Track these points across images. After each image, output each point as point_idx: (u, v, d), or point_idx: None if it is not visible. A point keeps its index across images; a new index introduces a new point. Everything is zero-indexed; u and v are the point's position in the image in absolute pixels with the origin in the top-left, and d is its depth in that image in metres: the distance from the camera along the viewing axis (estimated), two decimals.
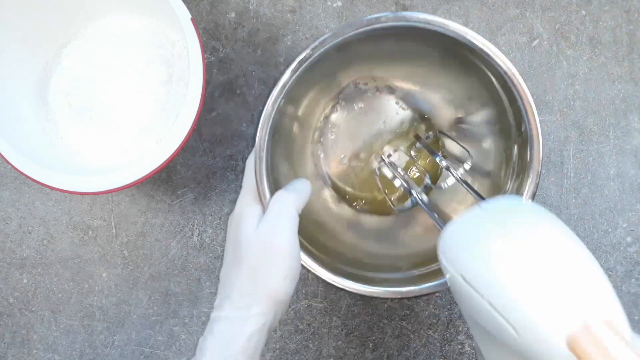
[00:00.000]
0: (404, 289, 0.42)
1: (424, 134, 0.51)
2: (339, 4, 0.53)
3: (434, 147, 0.50)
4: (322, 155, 0.51)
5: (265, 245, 0.36)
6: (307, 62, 0.40)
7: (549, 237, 0.29)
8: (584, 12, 0.53)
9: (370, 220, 0.51)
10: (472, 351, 0.53)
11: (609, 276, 0.54)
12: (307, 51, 0.40)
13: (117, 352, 0.53)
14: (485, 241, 0.30)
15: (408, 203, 0.51)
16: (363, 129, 0.51)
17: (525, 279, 0.28)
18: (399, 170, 0.48)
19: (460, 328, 0.53)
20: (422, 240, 0.48)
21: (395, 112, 0.51)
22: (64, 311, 0.53)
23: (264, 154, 0.40)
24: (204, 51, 0.43)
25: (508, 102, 0.43)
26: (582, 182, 0.54)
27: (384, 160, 0.50)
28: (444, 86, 0.49)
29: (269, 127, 0.40)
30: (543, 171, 0.53)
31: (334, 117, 0.51)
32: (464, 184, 0.42)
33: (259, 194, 0.40)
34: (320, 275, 0.42)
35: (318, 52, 0.40)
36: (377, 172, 0.50)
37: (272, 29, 0.53)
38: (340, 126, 0.51)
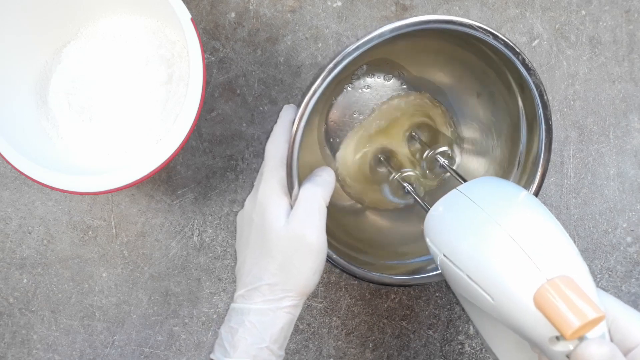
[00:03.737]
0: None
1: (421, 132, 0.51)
2: (339, 4, 0.53)
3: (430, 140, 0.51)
4: (326, 139, 0.51)
5: (297, 240, 0.37)
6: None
7: (515, 208, 0.31)
8: (584, 12, 0.53)
9: (370, 214, 0.51)
10: (472, 351, 0.53)
11: (609, 276, 0.54)
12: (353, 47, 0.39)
13: (117, 352, 0.53)
14: (460, 220, 0.33)
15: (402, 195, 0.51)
16: (365, 115, 0.50)
17: (495, 250, 0.30)
18: (393, 163, 0.49)
19: (460, 328, 0.53)
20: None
21: (396, 104, 0.51)
22: (64, 311, 0.53)
23: (297, 148, 0.39)
24: (204, 51, 0.43)
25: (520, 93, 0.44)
26: (582, 182, 0.54)
27: (380, 157, 0.50)
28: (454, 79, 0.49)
29: (306, 117, 0.39)
30: None
31: (340, 98, 0.50)
32: (449, 168, 0.45)
33: (288, 184, 0.39)
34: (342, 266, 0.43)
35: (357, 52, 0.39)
36: (372, 164, 0.50)
37: (272, 29, 0.53)
38: (345, 107, 0.50)
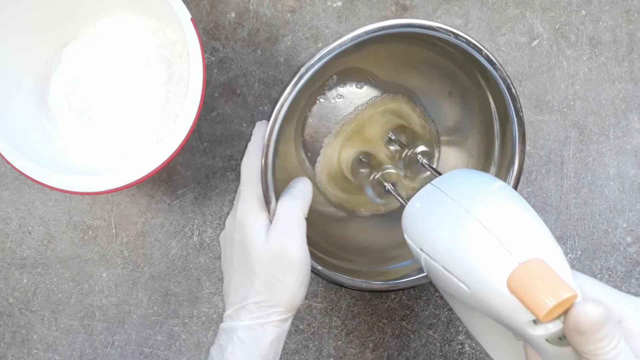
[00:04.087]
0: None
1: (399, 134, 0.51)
2: (339, 4, 0.53)
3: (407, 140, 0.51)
4: (304, 152, 0.51)
5: (278, 256, 0.37)
6: (314, 68, 0.40)
7: (487, 197, 0.31)
8: (584, 12, 0.53)
9: (355, 222, 0.51)
10: (472, 351, 0.53)
11: (609, 276, 0.54)
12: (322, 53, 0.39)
13: (117, 352, 0.53)
14: (434, 213, 0.33)
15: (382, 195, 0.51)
16: (340, 122, 0.51)
17: (466, 238, 0.30)
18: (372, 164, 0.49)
19: (460, 328, 0.53)
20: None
21: (372, 107, 0.51)
22: (64, 311, 0.53)
23: (270, 159, 0.40)
24: (204, 51, 0.43)
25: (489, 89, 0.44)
26: (582, 182, 0.54)
27: (361, 158, 0.50)
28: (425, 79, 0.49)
29: (277, 131, 0.40)
30: (543, 171, 0.54)
31: (314, 109, 0.51)
32: (428, 166, 0.46)
33: (265, 198, 0.39)
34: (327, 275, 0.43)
35: (326, 58, 0.39)
36: (353, 168, 0.50)
37: (272, 29, 0.53)
38: (320, 118, 0.51)
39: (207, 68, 0.52)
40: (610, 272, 0.54)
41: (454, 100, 0.49)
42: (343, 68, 0.49)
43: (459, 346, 0.53)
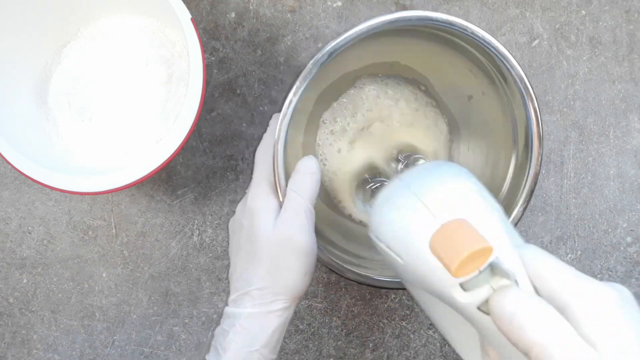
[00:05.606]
0: None
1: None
2: (339, 4, 0.53)
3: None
4: (320, 150, 0.51)
5: (285, 243, 0.37)
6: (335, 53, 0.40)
7: (433, 176, 0.31)
8: (584, 12, 0.53)
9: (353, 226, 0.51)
10: None
11: (609, 276, 0.54)
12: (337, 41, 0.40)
13: (117, 352, 0.53)
14: (386, 199, 0.33)
15: None
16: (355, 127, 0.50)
17: (401, 209, 0.30)
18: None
19: None
20: None
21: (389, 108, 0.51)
22: (64, 311, 0.53)
23: (281, 145, 0.39)
24: (204, 51, 0.43)
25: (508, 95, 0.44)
26: (582, 182, 0.54)
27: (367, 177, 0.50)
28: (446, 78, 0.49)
29: (289, 117, 0.40)
30: (543, 171, 0.54)
31: (326, 113, 0.51)
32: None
33: (275, 184, 0.39)
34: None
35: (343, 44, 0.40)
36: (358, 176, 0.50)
37: (272, 29, 0.53)
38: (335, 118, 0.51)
39: (207, 68, 0.52)
40: (610, 272, 0.54)
41: (474, 103, 0.49)
42: (365, 65, 0.49)
43: None
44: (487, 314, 0.26)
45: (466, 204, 0.28)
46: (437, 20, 0.40)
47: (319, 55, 0.40)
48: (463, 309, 0.27)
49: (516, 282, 0.26)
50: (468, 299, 0.27)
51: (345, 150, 0.50)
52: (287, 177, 0.40)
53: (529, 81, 0.42)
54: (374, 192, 0.47)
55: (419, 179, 0.31)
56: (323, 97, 0.49)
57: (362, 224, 0.51)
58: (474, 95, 0.48)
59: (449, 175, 0.31)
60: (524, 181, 0.44)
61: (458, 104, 0.49)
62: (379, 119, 0.50)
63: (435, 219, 0.28)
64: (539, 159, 0.43)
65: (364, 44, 0.41)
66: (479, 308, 0.27)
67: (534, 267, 0.26)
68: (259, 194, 0.39)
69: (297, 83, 0.40)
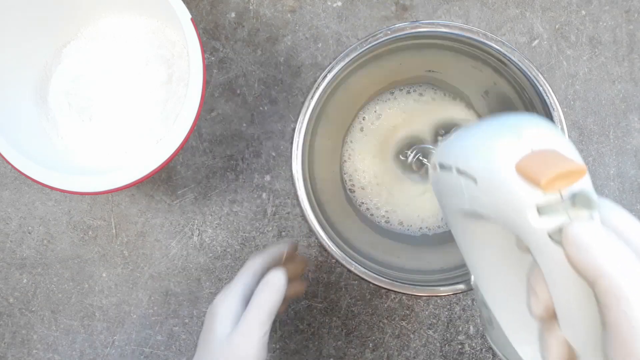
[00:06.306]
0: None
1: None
2: (339, 4, 0.53)
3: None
4: (346, 159, 0.51)
5: (235, 353, 0.38)
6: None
7: (522, 116, 0.31)
8: (584, 12, 0.53)
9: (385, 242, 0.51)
10: (472, 351, 0.53)
11: None
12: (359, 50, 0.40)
13: (117, 352, 0.53)
14: (467, 130, 0.32)
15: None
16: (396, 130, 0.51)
17: (489, 132, 0.29)
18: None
19: (460, 328, 0.53)
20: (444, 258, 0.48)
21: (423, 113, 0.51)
22: (64, 311, 0.53)
23: (301, 137, 0.41)
24: (204, 51, 0.43)
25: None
26: None
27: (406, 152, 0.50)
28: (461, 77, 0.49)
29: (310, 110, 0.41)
30: None
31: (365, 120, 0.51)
32: None
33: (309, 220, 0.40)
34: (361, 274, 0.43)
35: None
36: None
37: (272, 29, 0.53)
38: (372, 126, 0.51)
39: (207, 68, 0.52)
40: None
41: (491, 99, 0.48)
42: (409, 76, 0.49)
43: (459, 346, 0.53)
44: (557, 242, 0.26)
45: (557, 141, 0.28)
46: (459, 35, 0.41)
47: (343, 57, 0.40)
48: (531, 235, 0.27)
49: (592, 217, 0.26)
50: (541, 224, 0.26)
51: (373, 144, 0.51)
52: (310, 175, 0.42)
53: (561, 110, 0.43)
54: (418, 158, 0.48)
55: (510, 115, 0.31)
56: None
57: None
58: (489, 89, 0.48)
59: (541, 118, 0.31)
60: None
61: (478, 100, 0.50)
62: (402, 120, 0.50)
63: (526, 144, 0.27)
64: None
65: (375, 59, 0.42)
66: (549, 235, 0.26)
67: (608, 216, 0.27)
68: (225, 299, 0.40)
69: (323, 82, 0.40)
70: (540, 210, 0.26)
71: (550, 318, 0.27)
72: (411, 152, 0.49)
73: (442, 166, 0.33)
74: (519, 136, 0.28)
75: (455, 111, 0.51)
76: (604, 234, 0.25)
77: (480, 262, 0.34)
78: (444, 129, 0.50)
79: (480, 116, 0.50)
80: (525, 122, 0.29)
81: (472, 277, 0.36)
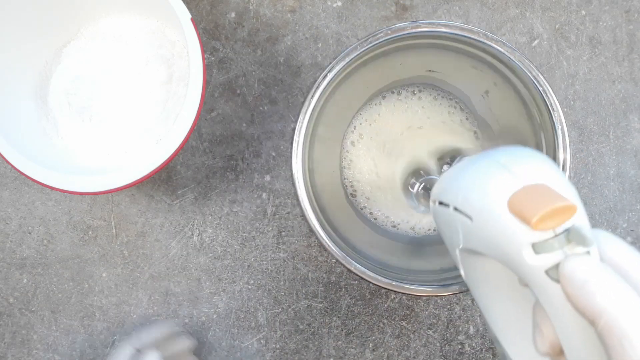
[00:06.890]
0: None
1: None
2: (339, 4, 0.53)
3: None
4: (345, 163, 0.51)
5: None
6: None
7: (522, 154, 0.30)
8: (584, 12, 0.53)
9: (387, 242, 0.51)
10: (472, 351, 0.53)
11: None
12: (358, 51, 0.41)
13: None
14: (464, 166, 0.32)
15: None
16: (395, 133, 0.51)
17: (481, 173, 0.29)
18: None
19: (460, 328, 0.53)
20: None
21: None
22: (64, 311, 0.53)
23: (301, 137, 0.41)
24: (204, 51, 0.43)
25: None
26: (582, 182, 0.54)
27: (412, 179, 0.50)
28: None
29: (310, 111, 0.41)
30: None
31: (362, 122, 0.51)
32: None
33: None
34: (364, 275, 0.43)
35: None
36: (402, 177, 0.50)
37: (272, 29, 0.53)
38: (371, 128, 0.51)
39: (207, 68, 0.52)
40: None
41: (491, 99, 0.49)
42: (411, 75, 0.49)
43: (459, 346, 0.53)
44: (555, 280, 0.25)
45: (549, 175, 0.28)
46: (461, 35, 0.41)
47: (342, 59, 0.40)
48: (529, 273, 0.26)
49: (588, 253, 0.26)
50: (538, 262, 0.26)
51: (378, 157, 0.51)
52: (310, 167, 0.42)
53: (561, 110, 0.43)
54: (424, 189, 0.47)
55: (501, 150, 0.31)
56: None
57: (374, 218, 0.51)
58: (489, 89, 0.48)
59: (531, 151, 0.30)
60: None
61: (478, 100, 0.50)
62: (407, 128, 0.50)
63: (517, 180, 0.27)
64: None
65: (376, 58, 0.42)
66: (546, 273, 0.26)
67: (604, 249, 0.26)
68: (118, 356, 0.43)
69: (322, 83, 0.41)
70: (536, 248, 0.26)
71: (557, 355, 0.27)
72: (417, 182, 0.48)
73: (441, 203, 0.33)
74: (510, 172, 0.28)
75: (455, 111, 0.51)
76: (601, 270, 0.24)
77: (486, 297, 0.34)
78: (449, 157, 0.50)
79: (480, 117, 0.50)
80: (516, 156, 0.29)
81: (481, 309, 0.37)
